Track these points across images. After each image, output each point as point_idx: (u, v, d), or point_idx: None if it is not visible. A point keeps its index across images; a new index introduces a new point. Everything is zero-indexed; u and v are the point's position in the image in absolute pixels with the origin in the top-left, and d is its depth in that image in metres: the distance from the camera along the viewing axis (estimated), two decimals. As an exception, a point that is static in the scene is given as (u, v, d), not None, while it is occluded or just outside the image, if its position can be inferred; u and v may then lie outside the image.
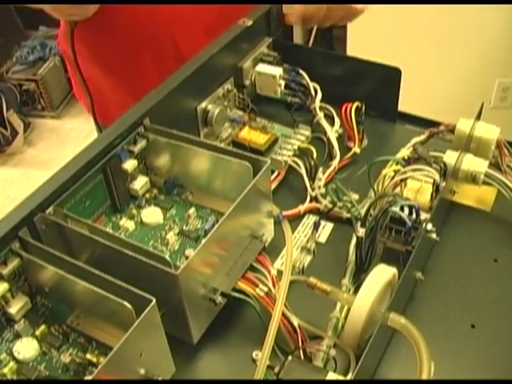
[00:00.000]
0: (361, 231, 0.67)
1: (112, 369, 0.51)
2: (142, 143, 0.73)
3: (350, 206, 0.76)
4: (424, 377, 0.55)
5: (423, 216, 0.68)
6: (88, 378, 0.49)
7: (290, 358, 0.57)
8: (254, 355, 0.63)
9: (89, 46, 1.00)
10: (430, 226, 0.65)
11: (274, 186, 0.81)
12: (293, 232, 0.76)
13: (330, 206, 0.77)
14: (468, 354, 0.65)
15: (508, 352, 0.65)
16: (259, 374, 0.58)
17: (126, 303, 0.53)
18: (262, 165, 0.66)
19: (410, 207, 0.67)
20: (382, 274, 0.61)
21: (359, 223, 0.70)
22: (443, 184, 0.71)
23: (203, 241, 0.58)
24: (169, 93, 0.77)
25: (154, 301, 0.53)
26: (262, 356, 0.59)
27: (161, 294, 0.55)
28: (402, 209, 0.66)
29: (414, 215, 0.67)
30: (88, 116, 1.06)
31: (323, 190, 0.79)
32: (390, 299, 0.59)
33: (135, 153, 0.72)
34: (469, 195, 0.81)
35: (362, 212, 0.74)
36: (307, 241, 0.75)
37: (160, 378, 0.57)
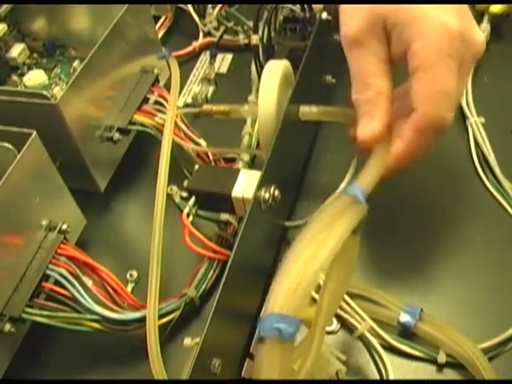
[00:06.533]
0: (254, 39, 0.62)
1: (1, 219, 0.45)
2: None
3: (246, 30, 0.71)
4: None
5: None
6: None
7: (197, 166, 0.52)
8: (168, 190, 0.59)
9: None
10: (325, 15, 0.59)
11: (163, 31, 0.75)
12: (191, 69, 0.71)
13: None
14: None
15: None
16: (159, 200, 0.51)
17: (6, 144, 0.48)
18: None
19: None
20: (274, 68, 0.54)
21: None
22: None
23: (79, 68, 0.53)
24: None
25: (35, 133, 0.48)
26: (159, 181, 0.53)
27: (52, 138, 0.49)
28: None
29: (306, 12, 0.62)
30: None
31: (215, 24, 0.73)
32: (291, 91, 0.53)
33: (1, 15, 0.66)
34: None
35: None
36: (207, 73, 0.70)
37: (66, 226, 0.52)
